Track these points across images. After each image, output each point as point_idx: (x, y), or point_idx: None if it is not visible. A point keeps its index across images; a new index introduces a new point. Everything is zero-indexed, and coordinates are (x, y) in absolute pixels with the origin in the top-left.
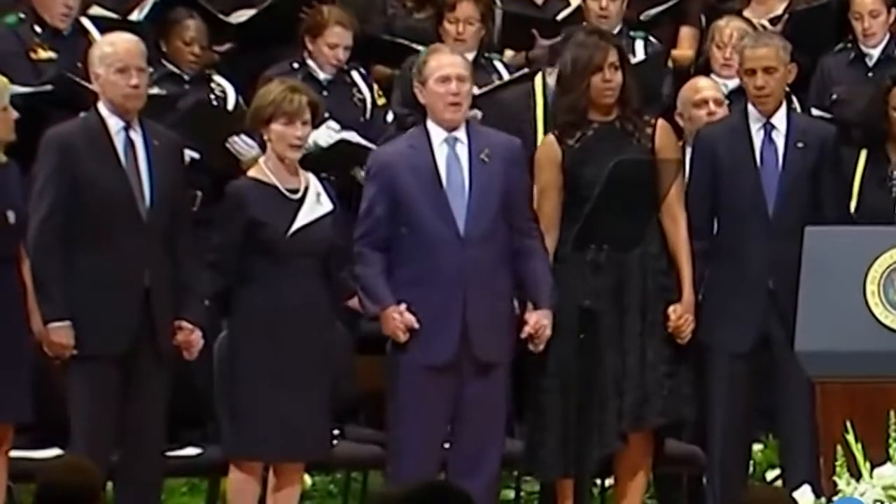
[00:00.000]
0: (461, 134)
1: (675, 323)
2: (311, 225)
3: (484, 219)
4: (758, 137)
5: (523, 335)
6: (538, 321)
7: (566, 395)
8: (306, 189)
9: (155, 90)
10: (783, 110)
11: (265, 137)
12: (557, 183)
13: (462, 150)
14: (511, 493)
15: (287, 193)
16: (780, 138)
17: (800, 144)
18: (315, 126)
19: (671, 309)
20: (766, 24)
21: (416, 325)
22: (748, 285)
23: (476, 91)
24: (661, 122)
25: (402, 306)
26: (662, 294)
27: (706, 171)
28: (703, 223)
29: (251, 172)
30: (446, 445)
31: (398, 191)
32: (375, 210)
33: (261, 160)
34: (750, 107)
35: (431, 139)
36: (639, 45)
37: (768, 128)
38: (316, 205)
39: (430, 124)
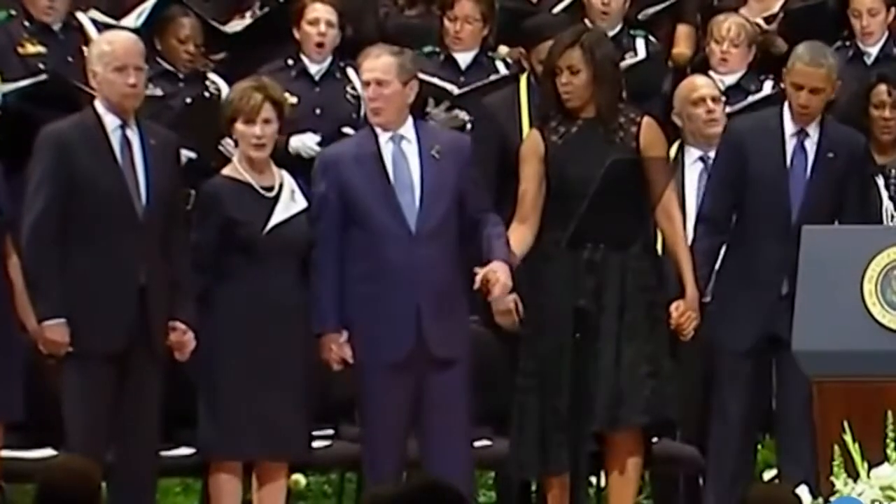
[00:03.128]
0: (407, 132)
1: (676, 320)
2: (287, 222)
3: (435, 215)
4: (790, 143)
5: (476, 286)
6: (489, 269)
7: (545, 395)
8: (281, 186)
9: (149, 90)
10: (817, 119)
11: (234, 137)
12: (539, 175)
13: (409, 148)
14: (493, 494)
15: (261, 191)
16: (811, 147)
17: (830, 154)
18: (297, 131)
19: (673, 306)
20: (762, 22)
21: (350, 361)
22: (759, 285)
23: (456, 91)
24: (646, 119)
25: (343, 336)
26: (644, 294)
27: (732, 165)
28: (722, 217)
29: (226, 171)
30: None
31: (347, 188)
32: (326, 209)
33: (234, 159)
34: (786, 110)
35: (378, 137)
36: (640, 44)
37: (802, 136)
38: (291, 202)
39: (372, 124)
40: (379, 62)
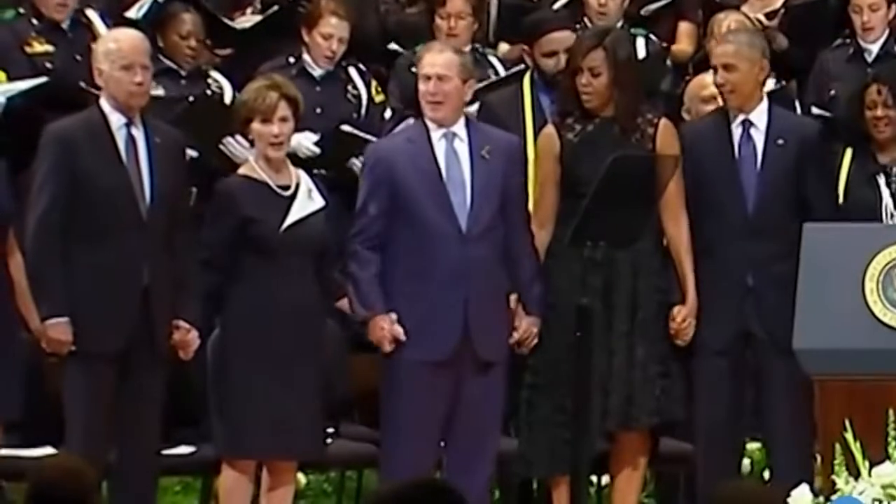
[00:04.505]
0: (460, 130)
1: (678, 326)
2: (304, 220)
3: (485, 215)
4: (736, 134)
5: (511, 341)
6: (528, 328)
7: (555, 393)
8: (297, 185)
9: (152, 88)
10: (763, 107)
11: (249, 137)
12: (555, 175)
13: (461, 147)
14: (496, 493)
15: (278, 190)
16: (758, 135)
17: (780, 142)
18: (299, 129)
19: (676, 310)
20: (763, 18)
21: (403, 338)
22: (727, 282)
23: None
24: (663, 121)
25: (392, 316)
26: (654, 294)
27: (687, 169)
28: (691, 220)
29: (242, 170)
30: (441, 444)
31: (397, 185)
32: (372, 205)
33: (250, 158)
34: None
35: (430, 134)
36: (640, 43)
37: (747, 125)
38: (308, 201)
39: (428, 120)
40: (442, 57)
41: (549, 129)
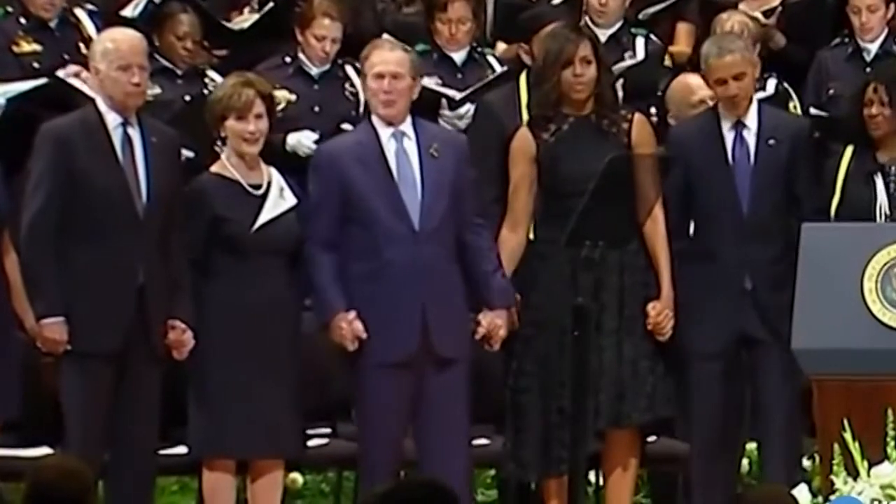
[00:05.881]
0: (408, 129)
1: (654, 320)
2: (276, 220)
3: (437, 213)
4: (729, 137)
5: (477, 336)
6: (491, 321)
7: (546, 394)
8: (269, 184)
9: (149, 87)
10: (753, 108)
11: (222, 135)
12: (531, 176)
13: (410, 145)
14: (492, 493)
15: (250, 189)
16: (751, 136)
17: (771, 141)
18: (295, 129)
19: (650, 306)
20: (760, 16)
21: (364, 336)
22: (724, 285)
23: (458, 95)
24: (637, 116)
25: (352, 314)
26: (641, 290)
27: (679, 172)
28: (679, 223)
29: (214, 168)
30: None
31: (348, 185)
32: (324, 207)
33: (223, 156)
34: (720, 106)
35: (379, 134)
36: (639, 43)
37: (739, 127)
38: (279, 199)
39: (375, 119)
40: (393, 55)
41: (524, 130)
